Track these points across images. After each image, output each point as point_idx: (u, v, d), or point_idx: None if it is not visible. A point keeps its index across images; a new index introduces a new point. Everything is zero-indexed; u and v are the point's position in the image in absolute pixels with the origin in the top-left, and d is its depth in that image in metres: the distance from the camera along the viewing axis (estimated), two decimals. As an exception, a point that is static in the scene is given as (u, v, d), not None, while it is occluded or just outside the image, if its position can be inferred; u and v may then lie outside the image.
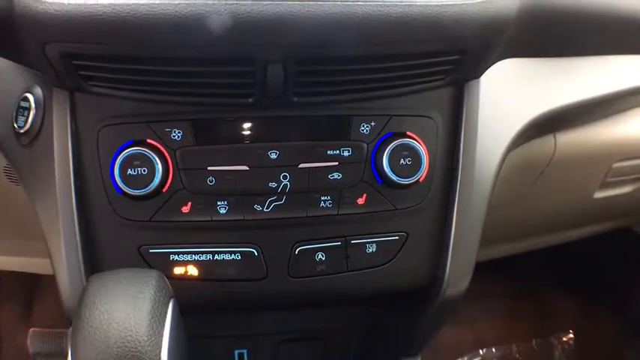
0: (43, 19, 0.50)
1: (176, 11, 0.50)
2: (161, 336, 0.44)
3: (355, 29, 0.53)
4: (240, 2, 0.50)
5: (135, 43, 0.53)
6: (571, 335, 1.52)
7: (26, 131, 0.60)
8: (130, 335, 0.42)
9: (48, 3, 0.50)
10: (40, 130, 0.59)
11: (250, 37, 0.52)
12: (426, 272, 0.68)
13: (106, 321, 0.43)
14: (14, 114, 0.61)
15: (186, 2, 0.50)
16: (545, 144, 0.78)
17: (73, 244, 0.58)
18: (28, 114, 0.60)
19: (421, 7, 0.53)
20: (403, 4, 0.53)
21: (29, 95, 0.60)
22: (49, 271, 0.97)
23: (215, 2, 0.50)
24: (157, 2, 0.50)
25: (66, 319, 0.60)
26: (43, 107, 0.59)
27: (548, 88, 0.72)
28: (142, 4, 0.50)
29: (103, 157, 0.58)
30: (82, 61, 0.54)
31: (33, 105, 0.60)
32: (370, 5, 0.52)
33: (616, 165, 0.87)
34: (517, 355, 1.45)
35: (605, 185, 0.91)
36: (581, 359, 1.51)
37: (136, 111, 0.58)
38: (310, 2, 0.51)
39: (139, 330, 0.43)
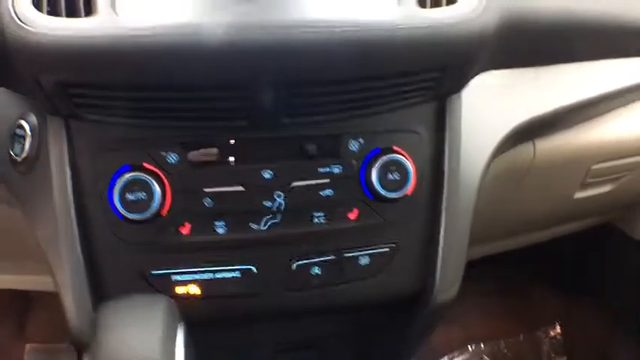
0: (36, 50, 0.51)
1: (177, 40, 0.52)
2: (174, 357, 0.46)
3: (347, 54, 0.55)
4: (238, 30, 0.52)
5: (133, 71, 0.54)
6: (558, 330, 1.57)
7: (23, 159, 0.61)
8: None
9: (41, 34, 0.51)
10: (37, 157, 0.60)
11: (247, 64, 0.54)
12: (417, 280, 0.70)
13: (122, 347, 0.45)
14: (10, 141, 0.62)
15: (184, 30, 0.52)
16: (524, 151, 0.81)
17: (76, 268, 0.60)
18: (24, 142, 0.60)
19: (408, 30, 0.56)
20: (389, 27, 0.55)
21: (24, 123, 0.61)
22: (40, 288, 0.98)
23: (214, 30, 0.52)
24: (157, 31, 0.51)
25: (70, 339, 0.62)
26: (39, 134, 0.60)
27: (527, 96, 0.74)
28: (142, 34, 0.51)
29: (101, 183, 0.59)
30: (77, 89, 0.56)
31: (29, 132, 0.60)
32: (361, 31, 0.54)
33: (595, 167, 0.90)
34: (505, 351, 1.49)
35: (585, 186, 0.94)
36: (568, 352, 1.55)
37: (130, 136, 0.59)
38: (306, 29, 0.53)
39: (153, 355, 0.45)
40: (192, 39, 0.52)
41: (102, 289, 0.61)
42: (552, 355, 1.55)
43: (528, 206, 0.93)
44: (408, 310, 0.73)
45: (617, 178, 0.97)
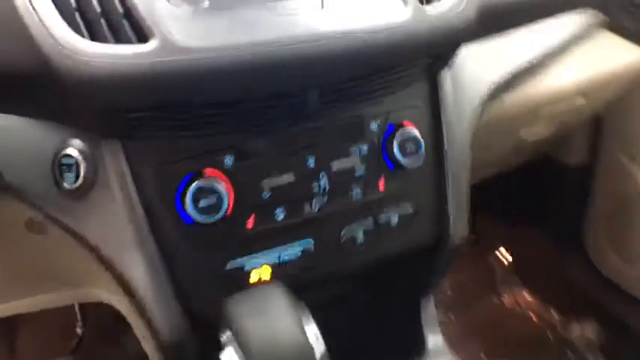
0: (98, 81, 0.53)
1: (238, 59, 0.57)
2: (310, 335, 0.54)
3: (373, 55, 0.65)
4: (289, 46, 0.59)
5: (199, 91, 0.59)
6: (509, 257, 1.76)
7: (79, 186, 0.62)
8: (294, 339, 0.52)
9: (101, 63, 0.53)
10: (93, 181, 0.62)
11: (297, 73, 0.62)
12: (436, 230, 0.82)
13: (267, 332, 0.52)
14: (54, 173, 0.62)
15: (242, 49, 0.57)
16: (496, 105, 0.93)
17: (158, 276, 0.63)
18: (77, 169, 0.61)
19: (416, 27, 0.66)
20: (403, 27, 0.65)
21: (71, 151, 0.61)
22: (59, 304, 0.99)
23: (274, 47, 0.58)
24: (220, 52, 0.56)
25: (161, 353, 0.67)
26: (93, 159, 0.61)
27: (500, 57, 0.87)
28: (208, 56, 0.56)
29: (168, 194, 0.63)
30: (137, 113, 0.59)
31: (80, 159, 0.61)
32: (381, 35, 0.64)
33: (544, 110, 1.05)
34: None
35: (535, 127, 1.09)
36: (520, 276, 1.74)
37: (190, 146, 0.63)
38: (341, 39, 0.62)
39: (297, 336, 0.52)
40: (251, 56, 0.57)
41: (182, 292, 0.65)
42: (506, 278, 1.74)
43: (494, 149, 1.06)
44: (429, 256, 0.84)
45: (559, 118, 1.13)
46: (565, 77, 1.02)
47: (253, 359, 0.51)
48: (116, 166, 0.61)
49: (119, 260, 0.63)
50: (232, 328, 0.54)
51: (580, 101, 1.10)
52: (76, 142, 0.61)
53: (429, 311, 0.89)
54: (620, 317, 1.56)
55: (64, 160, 0.61)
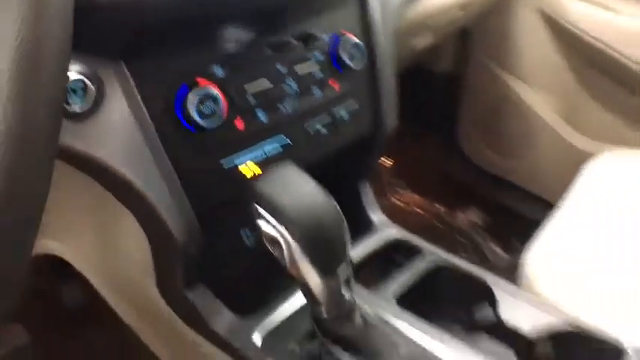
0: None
1: None
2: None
3: None
4: None
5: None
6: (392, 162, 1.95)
7: (89, 109, 0.64)
8: (321, 198, 0.61)
9: None
10: (101, 102, 0.65)
11: None
12: (375, 121, 0.97)
13: (297, 196, 0.61)
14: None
15: None
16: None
17: (173, 185, 0.70)
18: (85, 93, 0.63)
19: None
20: None
21: (76, 75, 0.63)
22: None
23: None
24: None
25: (177, 252, 0.73)
26: (99, 81, 0.64)
27: None
28: None
29: (172, 106, 0.69)
30: (149, 35, 0.66)
31: (88, 81, 0.63)
32: None
33: (430, 21, 1.23)
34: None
35: (421, 37, 1.27)
36: (404, 178, 1.94)
37: (185, 62, 0.71)
38: None
39: (319, 196, 0.62)
40: None
41: (191, 195, 0.72)
42: (391, 181, 1.94)
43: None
44: (368, 142, 0.99)
45: (441, 29, 1.31)
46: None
47: (289, 218, 0.60)
48: (123, 85, 0.66)
49: (135, 176, 0.67)
50: (261, 200, 0.62)
51: (458, 13, 1.30)
52: (81, 65, 0.63)
53: (368, 193, 1.05)
54: (498, 201, 1.83)
55: (72, 85, 0.63)
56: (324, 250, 0.62)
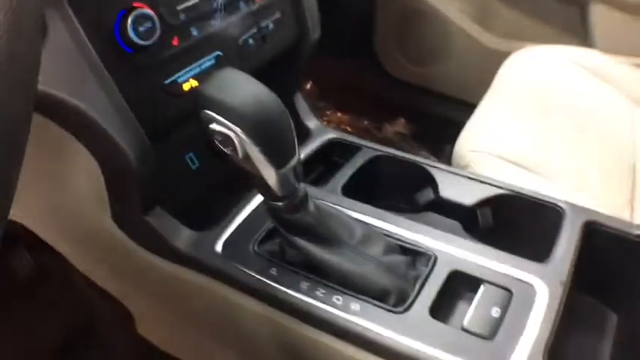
0: None
1: None
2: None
3: None
4: None
5: None
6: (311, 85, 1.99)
7: None
8: (266, 93, 0.64)
9: None
10: (44, 38, 0.65)
11: None
12: (299, 30, 1.01)
13: (243, 93, 0.64)
14: None
15: None
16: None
17: (119, 106, 0.71)
18: None
19: None
20: None
21: None
22: None
23: None
24: None
25: (131, 174, 0.74)
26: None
27: None
28: None
29: (111, 30, 0.70)
30: None
31: None
32: None
33: None
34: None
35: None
36: (328, 99, 1.98)
37: None
38: None
39: (269, 92, 0.64)
40: None
41: (138, 113, 0.73)
42: (316, 104, 1.98)
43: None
44: (295, 52, 1.02)
45: None
46: None
47: (240, 115, 0.63)
48: (64, 18, 0.66)
49: (84, 103, 0.68)
50: (210, 102, 0.64)
51: None
52: None
53: (302, 103, 1.09)
54: (422, 109, 1.90)
55: None
56: (276, 142, 0.66)
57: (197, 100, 0.65)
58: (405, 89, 1.91)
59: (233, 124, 0.63)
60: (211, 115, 0.64)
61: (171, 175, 0.89)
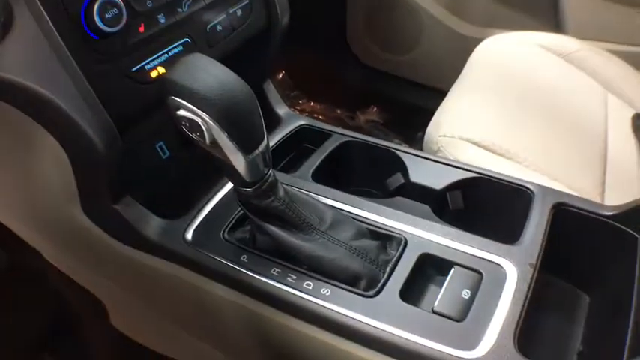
0: None
1: None
2: None
3: None
4: None
5: None
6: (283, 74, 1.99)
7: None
8: (233, 77, 0.64)
9: None
10: (10, 23, 0.65)
11: None
12: (268, 16, 1.00)
13: (210, 78, 0.63)
14: None
15: None
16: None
17: (86, 94, 0.70)
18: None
19: None
20: None
21: None
22: None
23: None
24: None
25: (100, 163, 0.73)
26: (7, 6, 0.64)
27: None
28: None
29: (77, 17, 0.69)
30: None
31: None
32: None
33: None
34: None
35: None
36: (301, 89, 1.98)
37: None
38: None
39: (234, 75, 0.64)
40: None
41: (105, 101, 0.72)
42: (289, 94, 1.98)
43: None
44: (267, 37, 1.01)
45: None
46: None
47: (206, 101, 0.62)
48: (31, 6, 0.66)
49: (51, 92, 0.68)
50: (177, 88, 0.63)
51: None
52: None
53: (272, 91, 1.08)
54: (395, 97, 1.91)
55: None
56: (243, 127, 0.65)
57: (163, 86, 0.65)
58: (377, 77, 1.92)
59: (199, 109, 0.62)
60: (178, 101, 0.64)
61: (142, 164, 0.89)
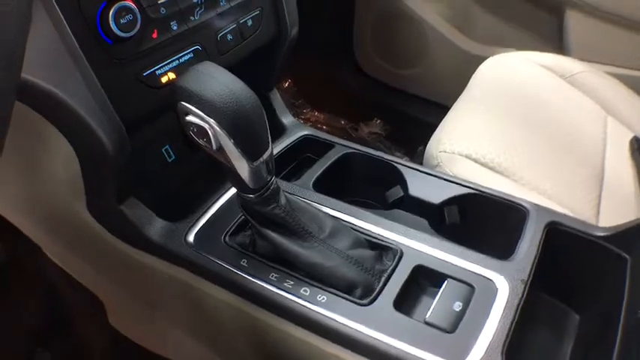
0: None
1: None
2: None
3: None
4: None
5: None
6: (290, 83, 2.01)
7: None
8: (242, 87, 0.66)
9: None
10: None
11: None
12: (278, 27, 1.02)
13: (219, 86, 0.66)
14: None
15: None
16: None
17: (98, 96, 0.72)
18: None
19: None
20: None
21: None
22: None
23: None
24: None
25: (108, 163, 0.75)
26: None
27: None
28: None
29: (92, 20, 0.71)
30: None
31: None
32: None
33: None
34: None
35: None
36: (305, 98, 1.99)
37: None
38: None
39: (244, 86, 0.66)
40: None
41: (115, 103, 0.74)
42: (294, 103, 2.00)
43: None
44: (274, 49, 1.03)
45: None
46: None
47: (215, 108, 0.64)
48: (48, 8, 0.67)
49: (64, 92, 0.69)
50: (187, 95, 0.65)
51: None
52: None
53: (278, 100, 1.11)
54: (398, 110, 1.93)
55: None
56: (250, 136, 0.67)
57: (174, 92, 0.67)
58: (381, 90, 1.93)
59: (208, 116, 0.64)
60: (187, 107, 0.66)
61: (148, 166, 0.91)
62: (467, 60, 1.68)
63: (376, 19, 1.86)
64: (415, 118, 1.86)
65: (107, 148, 0.73)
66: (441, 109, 1.34)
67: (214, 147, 0.66)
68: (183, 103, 0.66)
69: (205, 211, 0.86)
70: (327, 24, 1.91)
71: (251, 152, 0.67)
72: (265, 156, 0.69)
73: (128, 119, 0.76)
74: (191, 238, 0.82)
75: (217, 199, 0.88)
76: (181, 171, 0.95)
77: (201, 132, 0.65)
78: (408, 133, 1.85)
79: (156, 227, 0.83)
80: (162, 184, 0.93)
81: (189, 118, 0.65)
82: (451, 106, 1.29)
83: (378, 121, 1.95)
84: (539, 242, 0.81)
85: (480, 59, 1.45)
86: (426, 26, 1.77)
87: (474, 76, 1.36)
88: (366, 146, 1.00)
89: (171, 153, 0.95)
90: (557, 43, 1.71)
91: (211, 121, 0.64)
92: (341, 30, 1.92)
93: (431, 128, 1.22)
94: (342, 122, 1.99)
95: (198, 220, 0.85)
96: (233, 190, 0.87)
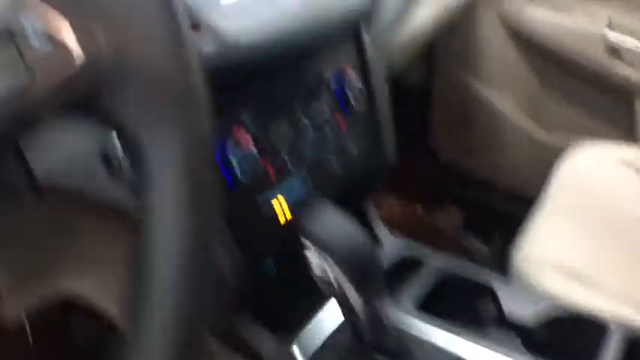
0: None
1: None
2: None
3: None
4: None
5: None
6: None
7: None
8: (358, 235, 0.75)
9: None
10: None
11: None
12: (379, 155, 1.10)
13: (340, 233, 0.75)
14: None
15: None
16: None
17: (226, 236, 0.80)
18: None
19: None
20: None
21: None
22: None
23: None
24: None
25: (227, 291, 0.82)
26: None
27: None
28: None
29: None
30: None
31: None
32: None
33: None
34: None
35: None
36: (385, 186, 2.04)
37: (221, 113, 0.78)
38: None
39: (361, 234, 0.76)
40: None
41: (238, 238, 0.82)
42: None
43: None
44: (375, 175, 1.12)
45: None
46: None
47: (340, 258, 0.72)
48: None
49: None
50: (311, 236, 0.74)
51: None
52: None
53: (372, 212, 1.17)
54: (474, 199, 1.97)
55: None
56: (368, 282, 0.75)
57: (297, 226, 0.75)
58: (458, 179, 1.98)
59: (334, 263, 0.72)
60: (308, 245, 0.74)
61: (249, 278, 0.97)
62: (543, 150, 1.72)
63: (453, 111, 1.92)
64: (492, 208, 1.90)
65: (228, 280, 0.80)
66: (518, 199, 1.36)
67: (336, 291, 0.73)
68: (305, 240, 0.74)
69: (309, 329, 0.92)
70: (404, 109, 1.97)
71: (370, 298, 0.75)
72: (380, 298, 0.75)
73: (244, 247, 0.83)
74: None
75: (314, 316, 0.93)
76: (280, 285, 1.00)
77: (324, 276, 0.72)
78: (485, 222, 1.88)
79: (267, 344, 0.89)
80: (260, 298, 0.97)
81: (317, 264, 0.74)
82: (527, 195, 1.33)
83: (454, 208, 1.99)
84: None
85: (554, 149, 1.48)
86: (502, 118, 1.82)
87: (553, 175, 1.39)
88: (443, 236, 1.05)
89: (273, 268, 0.98)
90: (628, 130, 1.73)
91: (337, 270, 0.72)
92: (419, 122, 1.98)
93: (507, 218, 1.25)
94: (419, 210, 2.03)
95: (305, 338, 0.90)
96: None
